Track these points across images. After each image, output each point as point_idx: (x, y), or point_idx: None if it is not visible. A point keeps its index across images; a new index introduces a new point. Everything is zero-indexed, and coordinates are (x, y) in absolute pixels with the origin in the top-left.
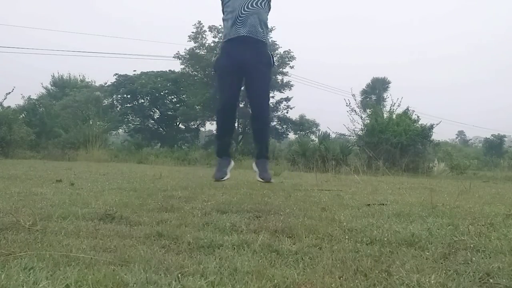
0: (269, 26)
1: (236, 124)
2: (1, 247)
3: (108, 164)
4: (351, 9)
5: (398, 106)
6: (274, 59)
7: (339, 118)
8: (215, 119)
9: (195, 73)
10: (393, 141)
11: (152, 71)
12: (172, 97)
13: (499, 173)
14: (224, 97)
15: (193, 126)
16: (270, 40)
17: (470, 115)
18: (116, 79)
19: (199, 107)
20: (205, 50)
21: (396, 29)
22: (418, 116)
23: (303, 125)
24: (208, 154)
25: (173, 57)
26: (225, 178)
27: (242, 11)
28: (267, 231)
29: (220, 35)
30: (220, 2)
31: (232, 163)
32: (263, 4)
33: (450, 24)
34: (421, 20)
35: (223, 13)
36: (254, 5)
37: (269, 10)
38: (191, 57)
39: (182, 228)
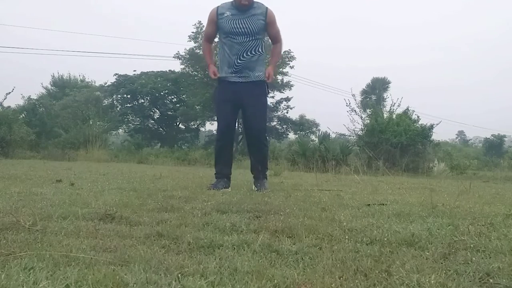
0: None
1: (234, 146)
2: (1, 247)
3: (108, 164)
4: (352, 11)
5: (398, 106)
6: (269, 88)
7: (339, 118)
8: (214, 149)
9: (195, 73)
10: (393, 141)
11: (152, 71)
12: (172, 97)
13: (499, 173)
14: (221, 124)
15: (193, 126)
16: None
17: (470, 115)
18: (116, 79)
19: (199, 107)
20: None
21: (397, 31)
22: (418, 116)
23: (303, 125)
24: (208, 154)
25: (173, 57)
26: (216, 189)
27: (239, 60)
28: (267, 231)
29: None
30: (216, 28)
31: (229, 189)
32: (260, 49)
33: (451, 26)
34: (422, 22)
35: (219, 43)
36: (251, 53)
37: (263, 46)
38: (191, 57)
39: (182, 228)
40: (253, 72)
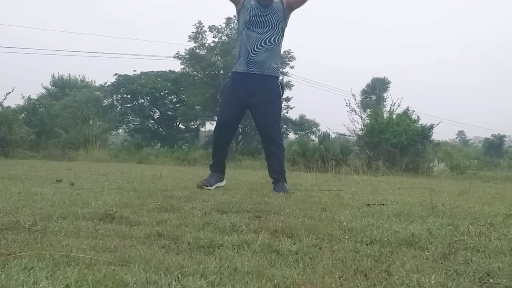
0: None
1: (231, 142)
2: (1, 247)
3: (108, 164)
4: (352, 12)
5: (398, 106)
6: (283, 89)
7: (339, 118)
8: (212, 139)
9: (195, 73)
10: (393, 141)
11: (152, 71)
12: (172, 97)
13: (499, 173)
14: (223, 116)
15: (193, 126)
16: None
17: (470, 115)
18: (116, 79)
19: (199, 107)
20: (205, 50)
21: (398, 31)
22: (418, 116)
23: (303, 125)
24: (208, 154)
25: (173, 57)
26: (207, 188)
27: (255, 48)
28: (267, 231)
29: (220, 35)
30: (237, 18)
31: (224, 182)
32: (277, 40)
33: (452, 26)
34: (423, 22)
35: (238, 32)
36: (268, 43)
37: (283, 39)
38: (191, 57)
39: (182, 228)
40: (268, 63)
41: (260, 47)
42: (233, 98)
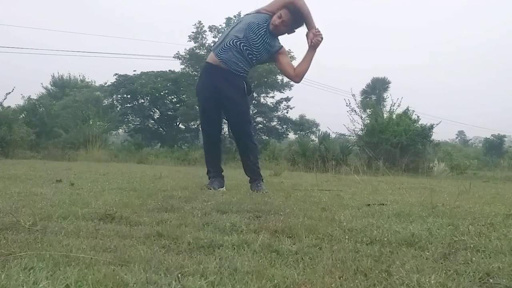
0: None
1: (222, 150)
2: (1, 247)
3: (108, 164)
4: (352, 13)
5: (398, 106)
6: (251, 88)
7: (339, 118)
8: (204, 149)
9: (195, 73)
10: (393, 141)
11: (152, 71)
12: (172, 97)
13: (499, 173)
14: (205, 128)
15: (193, 126)
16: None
17: (470, 115)
18: (116, 79)
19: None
20: (205, 50)
21: (398, 32)
22: (418, 116)
23: (303, 125)
24: None
25: (173, 57)
26: (213, 189)
27: (228, 43)
28: (267, 231)
29: (220, 35)
30: None
31: (223, 189)
32: (253, 59)
33: (452, 27)
34: (423, 23)
35: (236, 20)
36: (247, 50)
37: (251, 65)
38: (191, 57)
39: (182, 228)
40: (236, 63)
41: (238, 45)
42: (207, 102)
